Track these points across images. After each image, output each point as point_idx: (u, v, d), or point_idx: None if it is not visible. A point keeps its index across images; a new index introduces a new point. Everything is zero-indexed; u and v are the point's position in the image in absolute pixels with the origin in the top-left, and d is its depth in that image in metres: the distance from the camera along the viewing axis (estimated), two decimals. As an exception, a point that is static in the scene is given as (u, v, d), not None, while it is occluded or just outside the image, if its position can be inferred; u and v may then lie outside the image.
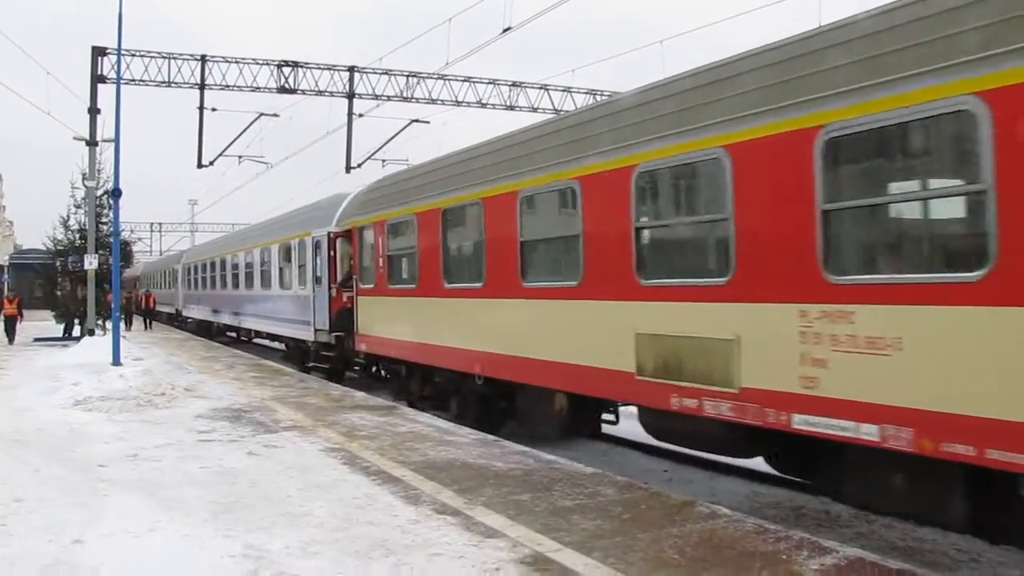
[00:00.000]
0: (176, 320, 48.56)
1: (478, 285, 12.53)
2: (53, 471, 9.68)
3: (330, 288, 19.91)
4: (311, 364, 22.08)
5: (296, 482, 9.08)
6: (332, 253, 19.95)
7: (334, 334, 19.73)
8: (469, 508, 7.90)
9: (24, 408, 14.76)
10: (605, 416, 12.00)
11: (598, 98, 31.95)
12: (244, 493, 8.64)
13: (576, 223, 10.37)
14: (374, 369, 18.70)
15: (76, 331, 32.15)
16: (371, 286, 16.86)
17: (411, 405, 15.60)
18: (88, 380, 17.55)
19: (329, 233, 20.01)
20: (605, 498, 8.28)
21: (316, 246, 20.98)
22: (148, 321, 48.27)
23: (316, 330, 20.98)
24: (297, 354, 24.17)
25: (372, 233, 16.89)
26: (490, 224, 12.27)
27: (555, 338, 10.84)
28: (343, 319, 18.86)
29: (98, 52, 29.03)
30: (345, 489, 8.71)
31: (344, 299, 19.20)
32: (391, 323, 16.06)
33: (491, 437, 11.85)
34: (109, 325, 24.57)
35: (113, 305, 23.31)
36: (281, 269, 24.74)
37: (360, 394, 16.98)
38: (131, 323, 46.08)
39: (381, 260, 16.29)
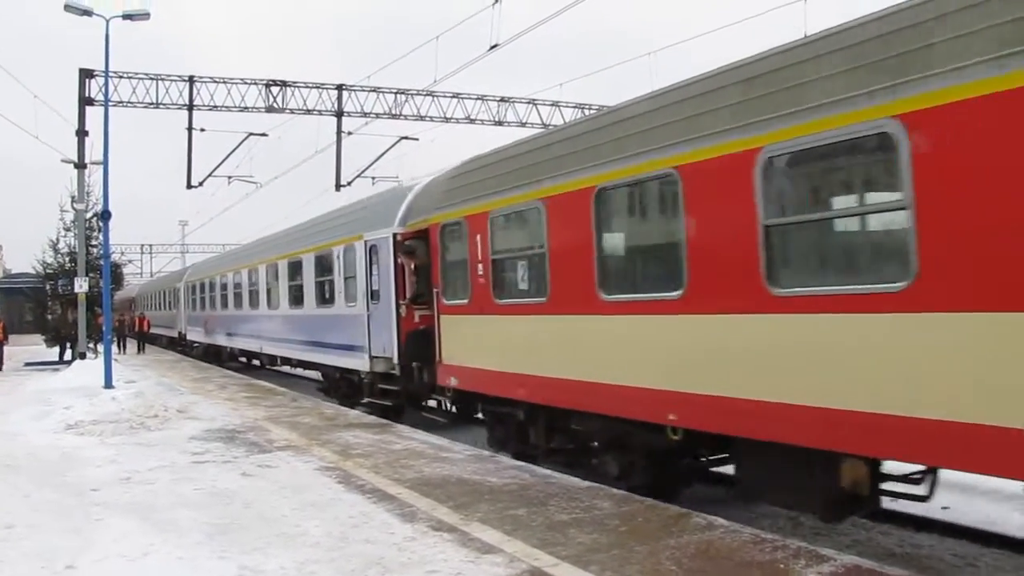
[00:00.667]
0: (179, 345, 43.23)
1: (672, 296, 8.52)
2: (45, 496, 9.61)
3: (397, 305, 15.58)
4: (366, 400, 17.70)
5: (291, 502, 9.03)
6: (397, 261, 15.61)
7: (402, 363, 15.48)
8: (465, 524, 7.86)
9: (15, 433, 14.68)
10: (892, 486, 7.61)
11: (586, 112, 32.06)
12: (238, 514, 8.58)
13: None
14: (449, 406, 14.73)
15: (68, 355, 31.96)
16: (463, 302, 12.64)
17: (527, 458, 11.59)
18: (80, 403, 17.47)
19: (394, 235, 15.63)
20: (601, 511, 8.25)
21: (372, 252, 16.65)
22: (141, 344, 47.19)
23: (373, 358, 16.66)
24: (341, 387, 19.54)
25: (464, 230, 12.57)
26: (696, 204, 8.24)
27: (854, 373, 6.71)
28: (416, 344, 14.92)
29: (85, 74, 29.11)
30: (340, 508, 8.66)
31: (416, 319, 15.32)
32: (499, 351, 11.86)
33: (486, 453, 11.81)
34: (101, 348, 24.43)
35: (104, 328, 23.23)
36: (322, 283, 19.99)
37: (354, 412, 16.92)
38: (125, 346, 45.23)
39: (482, 266, 12.12)
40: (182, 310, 40.95)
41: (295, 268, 22.01)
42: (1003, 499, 9.26)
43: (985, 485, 9.01)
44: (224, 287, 31.22)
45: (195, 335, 38.00)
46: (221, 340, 32.35)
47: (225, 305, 31.20)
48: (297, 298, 21.96)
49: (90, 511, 8.83)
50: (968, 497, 9.58)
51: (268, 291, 24.92)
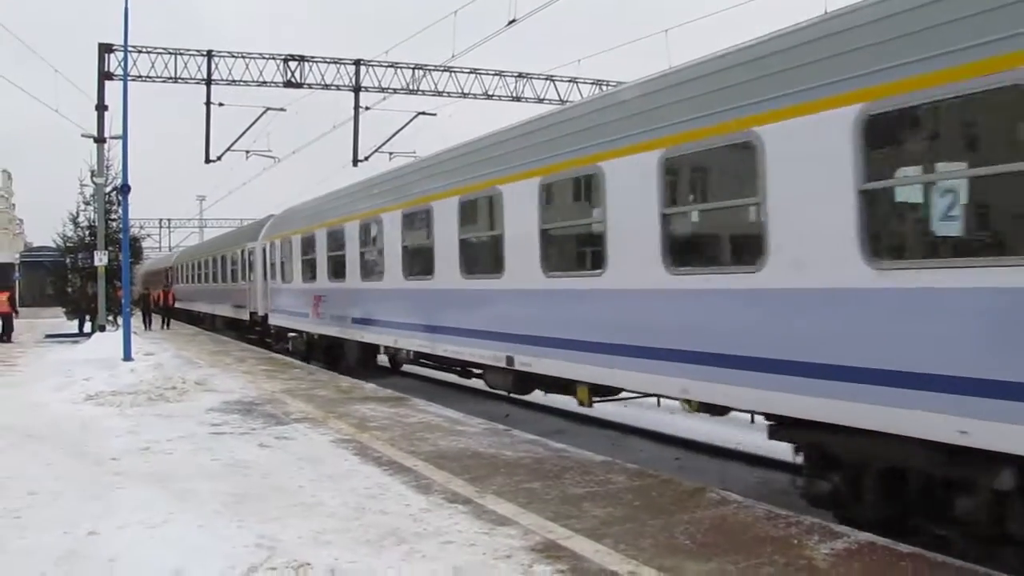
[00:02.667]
0: (251, 332, 31.67)
1: None
2: (66, 465, 9.74)
3: None
4: None
5: (308, 473, 9.12)
6: None
7: None
8: (480, 497, 7.93)
9: (37, 403, 14.85)
10: None
11: (604, 89, 31.91)
12: (256, 485, 8.67)
13: None
14: None
15: (87, 327, 32.24)
16: None
17: None
18: (100, 375, 17.63)
19: None
20: (616, 486, 8.30)
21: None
22: (166, 320, 44.16)
23: None
24: None
25: None
26: None
27: None
28: None
29: (104, 49, 29.18)
30: (356, 480, 8.74)
31: None
32: None
33: (500, 426, 11.87)
34: (120, 321, 24.60)
35: (124, 300, 23.39)
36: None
37: (370, 385, 16.99)
38: (150, 322, 42.10)
39: None
40: (259, 282, 29.09)
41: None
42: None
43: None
44: (352, 242, 18.84)
45: (285, 319, 25.48)
46: (348, 329, 19.40)
47: (364, 272, 18.27)
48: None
49: (111, 480, 8.94)
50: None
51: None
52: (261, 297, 28.66)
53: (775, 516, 7.11)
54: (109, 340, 24.30)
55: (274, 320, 26.78)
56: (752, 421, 12.88)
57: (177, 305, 46.59)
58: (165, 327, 42.00)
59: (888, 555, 6.08)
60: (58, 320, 38.35)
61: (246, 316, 31.49)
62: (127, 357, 20.30)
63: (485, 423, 12.13)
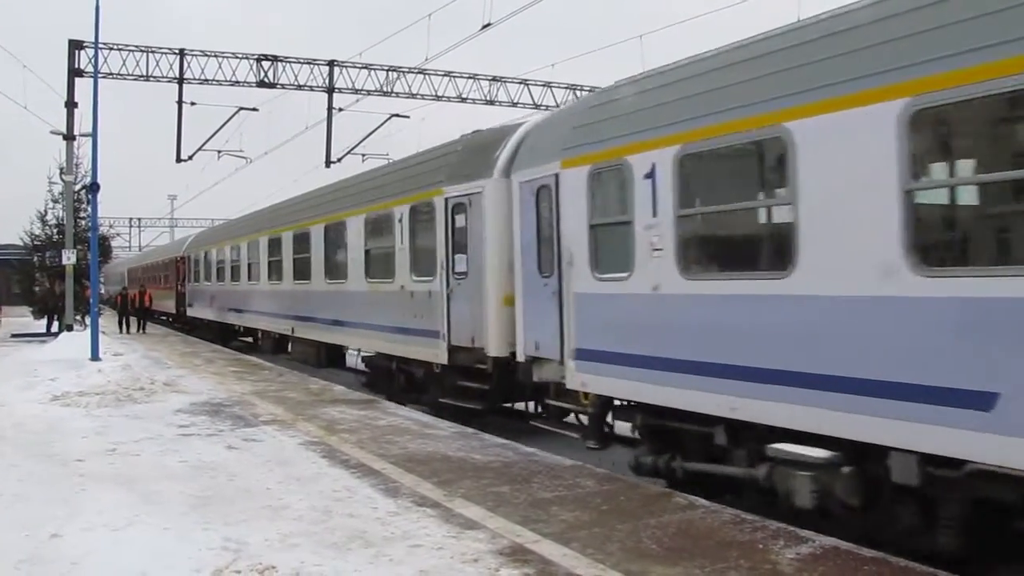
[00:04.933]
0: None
1: None
2: (30, 466, 9.63)
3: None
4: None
5: (275, 475, 9.07)
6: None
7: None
8: (448, 500, 7.92)
9: (1, 403, 14.65)
10: None
11: (579, 94, 32.00)
12: (223, 487, 8.62)
13: None
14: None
15: (55, 327, 31.88)
16: None
17: None
18: (66, 375, 17.45)
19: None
20: (584, 490, 8.32)
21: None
22: (142, 323, 39.54)
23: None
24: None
25: None
26: None
27: None
28: None
29: (75, 46, 28.85)
30: (324, 482, 8.71)
31: None
32: None
33: (470, 430, 11.85)
34: (88, 320, 24.35)
35: (92, 299, 23.16)
36: None
37: (339, 388, 16.94)
38: (128, 325, 38.49)
39: None
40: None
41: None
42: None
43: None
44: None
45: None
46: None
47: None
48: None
49: (75, 481, 8.86)
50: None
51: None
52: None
53: (741, 521, 7.16)
54: (77, 340, 24.03)
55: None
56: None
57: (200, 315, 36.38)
58: (140, 331, 38.28)
59: (852, 559, 6.13)
60: (25, 320, 37.90)
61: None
62: (95, 357, 20.11)
63: (455, 427, 12.12)
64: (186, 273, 37.90)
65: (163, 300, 43.99)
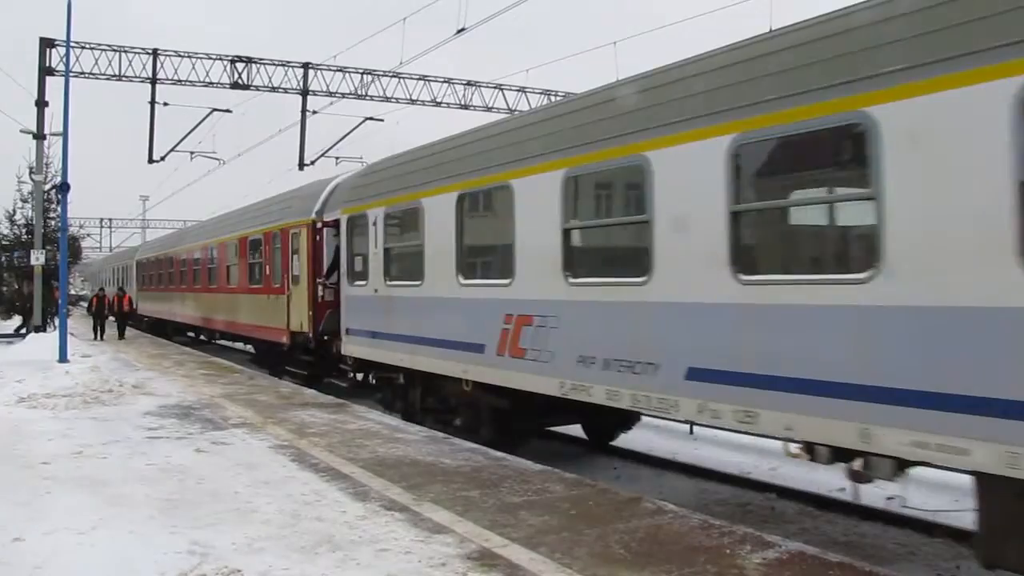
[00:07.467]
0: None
1: None
2: (-6, 468, 9.52)
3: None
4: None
5: (244, 479, 9.02)
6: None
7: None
8: (417, 504, 7.91)
9: (-35, 405, 14.48)
10: None
11: (552, 99, 32.09)
12: (191, 490, 8.56)
13: None
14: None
15: (24, 328, 31.54)
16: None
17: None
18: (33, 377, 17.28)
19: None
20: (553, 495, 8.34)
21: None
22: (121, 328, 35.40)
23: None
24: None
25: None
26: None
27: None
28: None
29: (46, 44, 28.57)
30: (293, 486, 8.68)
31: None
32: None
33: (440, 435, 11.85)
34: (58, 322, 24.13)
35: (61, 300, 22.94)
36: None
37: (310, 392, 16.89)
38: (103, 331, 34.31)
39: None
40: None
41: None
42: (944, 491, 9.47)
43: (930, 477, 9.22)
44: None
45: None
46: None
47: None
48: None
49: (40, 484, 8.77)
50: (915, 488, 9.78)
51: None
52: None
53: (709, 526, 7.21)
54: (45, 341, 23.81)
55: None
56: (691, 432, 13.10)
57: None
58: (121, 336, 34.54)
59: (817, 564, 6.19)
60: (-8, 320, 37.43)
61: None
62: (63, 359, 19.94)
63: (425, 431, 12.11)
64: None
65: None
